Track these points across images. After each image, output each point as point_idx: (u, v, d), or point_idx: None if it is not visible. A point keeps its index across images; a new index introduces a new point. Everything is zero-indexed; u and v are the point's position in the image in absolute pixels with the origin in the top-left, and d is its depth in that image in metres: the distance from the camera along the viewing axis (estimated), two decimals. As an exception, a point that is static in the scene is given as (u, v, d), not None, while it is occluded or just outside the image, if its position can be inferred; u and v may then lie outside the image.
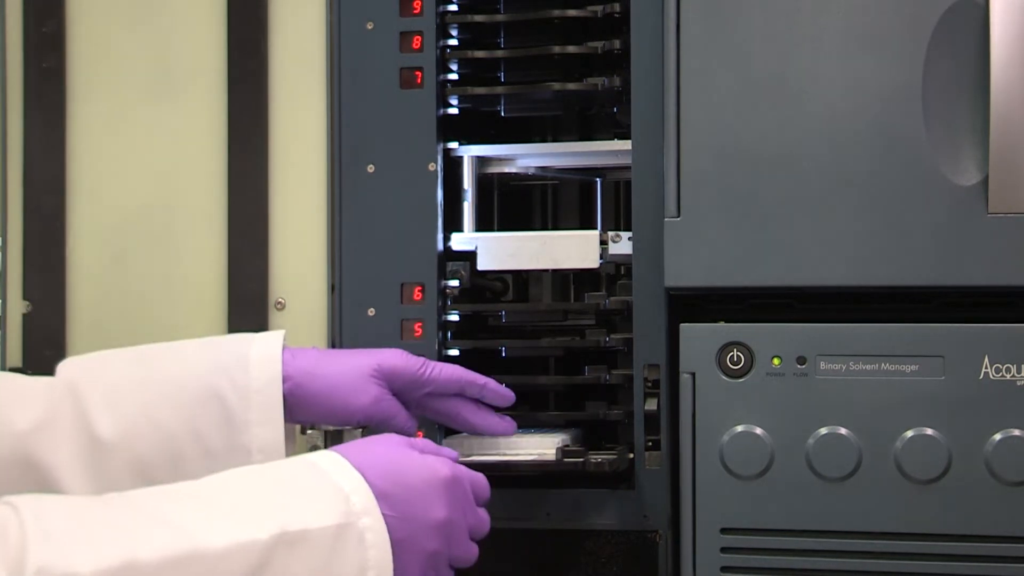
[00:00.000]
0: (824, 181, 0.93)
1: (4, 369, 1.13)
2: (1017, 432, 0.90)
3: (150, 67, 1.12)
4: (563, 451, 1.00)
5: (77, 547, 0.65)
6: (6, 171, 1.14)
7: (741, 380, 0.94)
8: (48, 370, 1.02)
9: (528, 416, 1.07)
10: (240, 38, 1.11)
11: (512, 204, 1.18)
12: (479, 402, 1.02)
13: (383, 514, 0.79)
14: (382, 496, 0.79)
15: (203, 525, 0.70)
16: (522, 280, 1.16)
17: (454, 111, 1.10)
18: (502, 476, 1.05)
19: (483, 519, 0.89)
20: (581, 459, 1.00)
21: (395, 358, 0.98)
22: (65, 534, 0.65)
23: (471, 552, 0.88)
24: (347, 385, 0.96)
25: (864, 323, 0.93)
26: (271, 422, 0.93)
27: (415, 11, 1.07)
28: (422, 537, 0.82)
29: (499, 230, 1.14)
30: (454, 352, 1.08)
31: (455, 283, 1.08)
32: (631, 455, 1.02)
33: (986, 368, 0.90)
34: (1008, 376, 0.90)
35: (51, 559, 0.63)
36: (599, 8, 1.06)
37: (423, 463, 0.85)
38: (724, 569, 0.94)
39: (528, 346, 1.09)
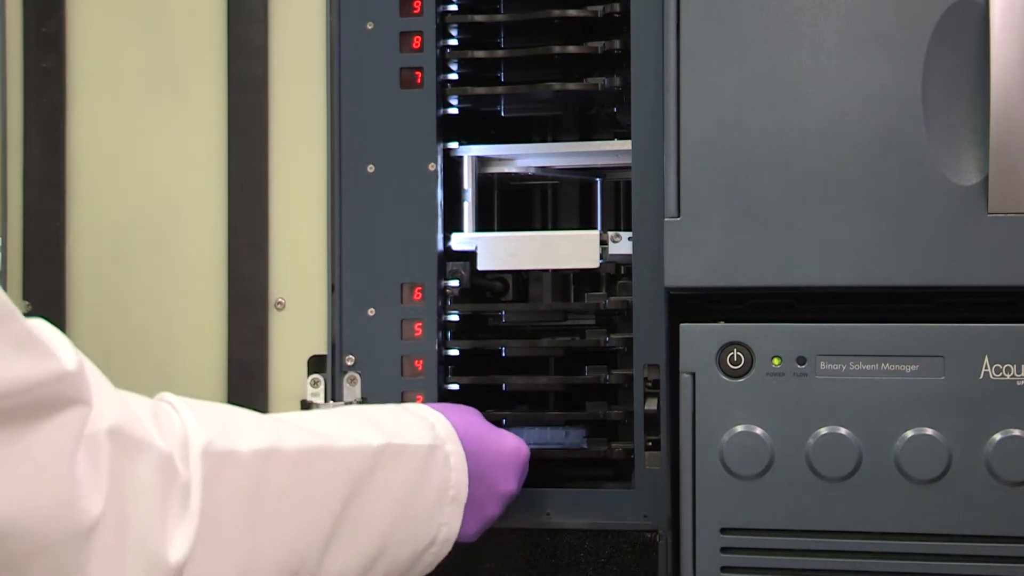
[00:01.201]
0: (824, 181, 0.93)
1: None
2: (1017, 432, 0.90)
3: (150, 67, 1.12)
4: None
5: (231, 434, 0.75)
6: (6, 171, 1.14)
7: (741, 380, 0.94)
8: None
9: (528, 416, 1.07)
10: (240, 38, 1.10)
11: (512, 204, 1.18)
12: None
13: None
14: (463, 437, 0.92)
15: (330, 431, 0.83)
16: (522, 280, 1.16)
17: (454, 111, 1.10)
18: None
19: None
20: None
21: None
22: (219, 423, 0.75)
23: None
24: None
25: (864, 323, 0.93)
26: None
27: (415, 11, 1.07)
28: (491, 501, 0.94)
29: (499, 230, 1.14)
30: (454, 352, 1.08)
31: (455, 283, 1.08)
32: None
33: (986, 368, 0.90)
34: (1008, 376, 0.90)
35: (212, 439, 0.73)
36: (599, 8, 1.06)
37: (502, 435, 0.97)
38: (724, 569, 0.94)
39: (528, 346, 1.09)
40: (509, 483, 0.96)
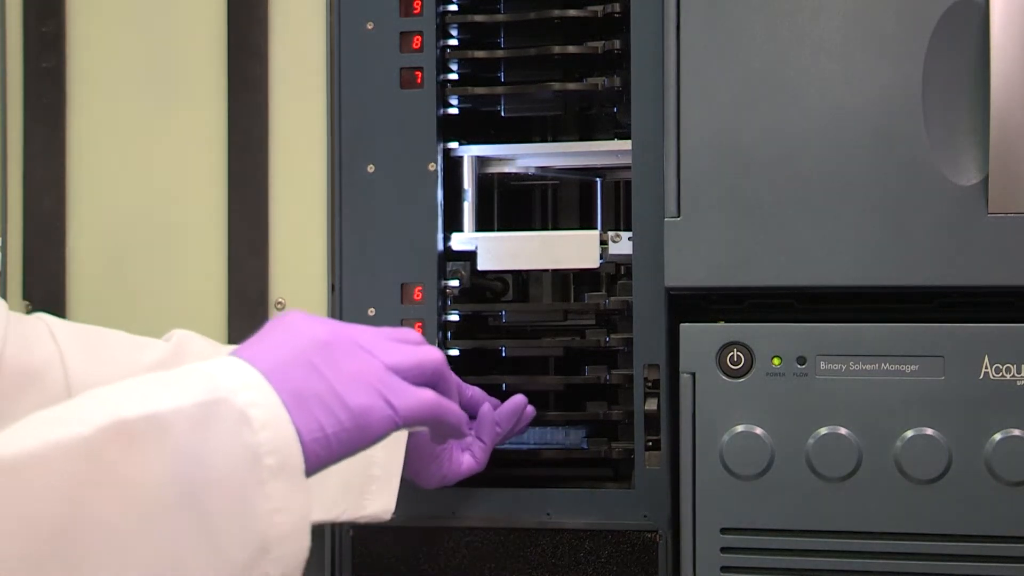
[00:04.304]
0: (824, 181, 0.93)
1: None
2: (1017, 432, 0.90)
3: (150, 67, 1.12)
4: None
5: None
6: (6, 171, 1.14)
7: (741, 380, 0.94)
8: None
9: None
10: (240, 38, 1.10)
11: (512, 204, 1.18)
12: None
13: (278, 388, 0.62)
14: (275, 371, 0.63)
15: (26, 433, 0.56)
16: (522, 280, 1.16)
17: (454, 111, 1.10)
18: (502, 476, 1.05)
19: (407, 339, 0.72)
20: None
21: None
22: None
23: (417, 355, 0.71)
24: None
25: (864, 323, 0.93)
26: None
27: (415, 11, 1.07)
28: (302, 367, 0.64)
29: (499, 230, 1.14)
30: (454, 352, 1.08)
31: (455, 283, 1.08)
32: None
33: (986, 368, 0.90)
34: (1008, 376, 0.90)
35: None
36: (599, 8, 1.06)
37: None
38: (724, 569, 0.94)
39: (528, 346, 1.09)
40: (314, 329, 0.67)
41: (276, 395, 0.62)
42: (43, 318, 0.92)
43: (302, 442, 0.62)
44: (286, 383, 0.63)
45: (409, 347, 0.71)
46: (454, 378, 0.75)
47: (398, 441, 0.91)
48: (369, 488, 0.91)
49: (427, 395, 0.69)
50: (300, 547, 0.61)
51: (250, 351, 0.65)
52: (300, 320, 0.68)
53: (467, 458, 0.94)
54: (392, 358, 0.68)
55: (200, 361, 0.64)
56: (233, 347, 0.69)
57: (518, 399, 0.99)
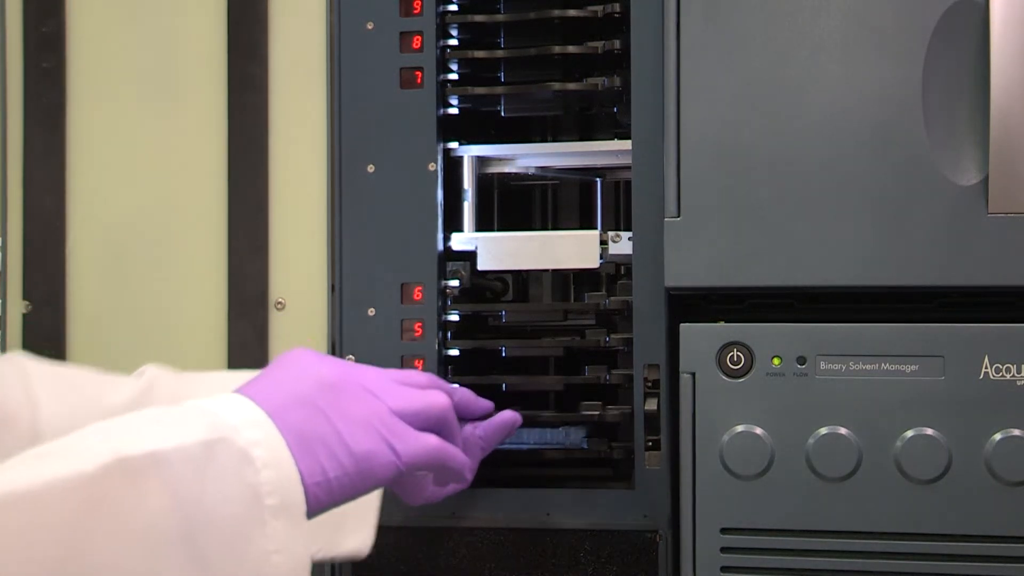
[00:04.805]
0: (824, 181, 0.93)
1: (4, 369, 1.13)
2: (1017, 432, 0.90)
3: (150, 68, 1.12)
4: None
5: None
6: (6, 171, 1.14)
7: (741, 380, 0.94)
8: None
9: (528, 416, 1.07)
10: (240, 39, 1.10)
11: (512, 204, 1.18)
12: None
13: (282, 426, 0.62)
14: (279, 410, 0.63)
15: (20, 469, 0.55)
16: (522, 280, 1.16)
17: (454, 111, 1.10)
18: (502, 476, 1.05)
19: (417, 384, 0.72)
20: (597, 412, 1.02)
21: None
22: None
23: (421, 401, 0.71)
24: None
25: (864, 323, 0.93)
26: None
27: (415, 11, 1.07)
28: (316, 416, 0.64)
29: (499, 230, 1.14)
30: (454, 352, 1.08)
31: (455, 283, 1.08)
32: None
33: (986, 368, 0.90)
34: (1008, 376, 0.90)
35: None
36: (599, 8, 1.06)
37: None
38: (724, 569, 0.93)
39: (528, 346, 1.09)
40: (319, 368, 0.67)
41: (280, 435, 0.61)
42: (13, 360, 0.87)
43: (304, 485, 0.61)
44: (290, 424, 0.62)
45: (415, 391, 0.71)
46: (457, 424, 0.75)
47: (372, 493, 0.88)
48: (344, 525, 0.86)
49: (431, 441, 0.69)
50: None
51: (255, 388, 0.65)
52: (307, 359, 0.68)
53: None
54: (398, 403, 0.69)
55: (169, 399, 0.63)
56: (204, 373, 0.68)
57: (507, 418, 0.90)
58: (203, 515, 0.57)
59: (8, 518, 0.53)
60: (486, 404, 0.90)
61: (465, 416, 0.88)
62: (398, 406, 0.68)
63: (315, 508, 0.63)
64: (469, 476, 0.77)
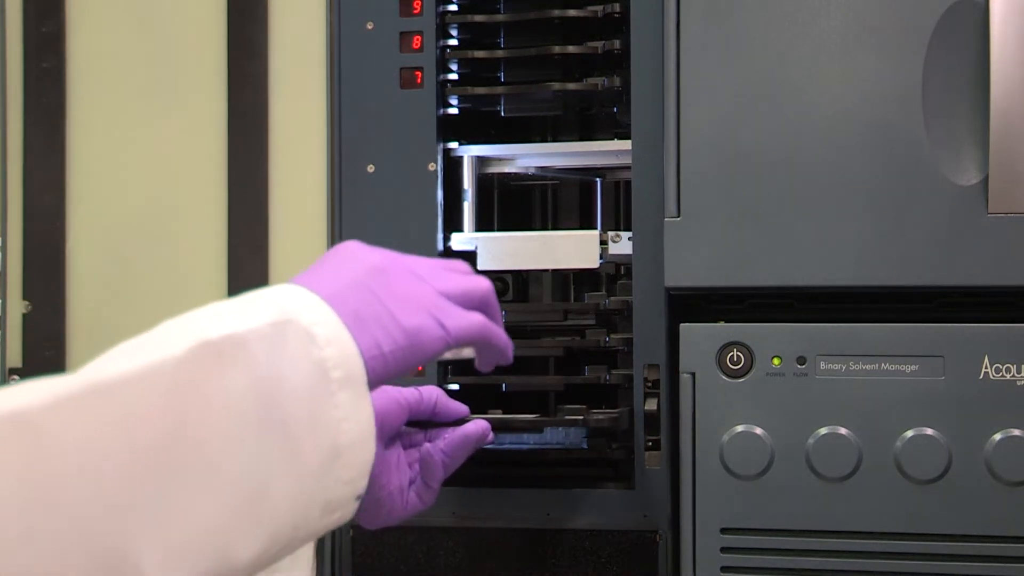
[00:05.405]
0: (824, 181, 0.93)
1: (4, 369, 1.13)
2: (1017, 432, 0.90)
3: (150, 67, 1.12)
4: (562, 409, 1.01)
5: None
6: (6, 171, 1.14)
7: (741, 380, 0.94)
8: (48, 370, 1.02)
9: (505, 421, 1.06)
10: (240, 38, 1.11)
11: (512, 204, 1.18)
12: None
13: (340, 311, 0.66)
14: (334, 295, 0.67)
15: (111, 362, 0.59)
16: (522, 280, 1.16)
17: (454, 111, 1.10)
18: (502, 476, 1.05)
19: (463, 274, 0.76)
20: (581, 416, 1.01)
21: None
22: None
23: (466, 283, 0.75)
24: None
25: (864, 323, 0.93)
26: None
27: (415, 11, 1.07)
28: (361, 292, 0.68)
29: (499, 230, 1.14)
30: (454, 352, 1.08)
31: (455, 283, 1.08)
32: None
33: (986, 368, 0.90)
34: (1008, 376, 0.90)
35: None
36: (599, 8, 1.06)
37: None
38: (724, 569, 0.94)
39: (528, 346, 1.09)
40: (368, 257, 0.71)
41: (337, 316, 0.65)
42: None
43: (362, 359, 0.66)
44: (346, 306, 0.67)
45: (459, 275, 0.75)
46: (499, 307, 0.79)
47: None
48: (278, 567, 0.88)
49: (477, 317, 0.73)
50: (367, 453, 0.65)
51: (309, 278, 0.69)
52: (357, 249, 0.72)
53: (412, 498, 0.87)
54: (443, 285, 0.73)
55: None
56: None
57: (472, 431, 0.88)
58: (280, 389, 0.61)
59: (109, 405, 0.57)
60: (461, 407, 0.89)
61: (438, 419, 0.88)
62: (444, 288, 0.72)
63: (374, 380, 0.67)
64: (511, 356, 0.79)
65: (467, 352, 0.78)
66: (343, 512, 0.66)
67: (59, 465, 0.54)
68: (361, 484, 0.66)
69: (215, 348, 0.61)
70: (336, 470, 0.64)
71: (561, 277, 1.15)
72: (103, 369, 0.58)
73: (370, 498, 0.84)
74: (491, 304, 0.76)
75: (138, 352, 0.60)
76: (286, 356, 0.62)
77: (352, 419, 0.64)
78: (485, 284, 0.75)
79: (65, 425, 0.55)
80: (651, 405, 1.01)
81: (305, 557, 0.90)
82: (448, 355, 0.75)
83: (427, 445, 0.86)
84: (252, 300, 0.66)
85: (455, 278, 0.74)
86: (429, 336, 0.70)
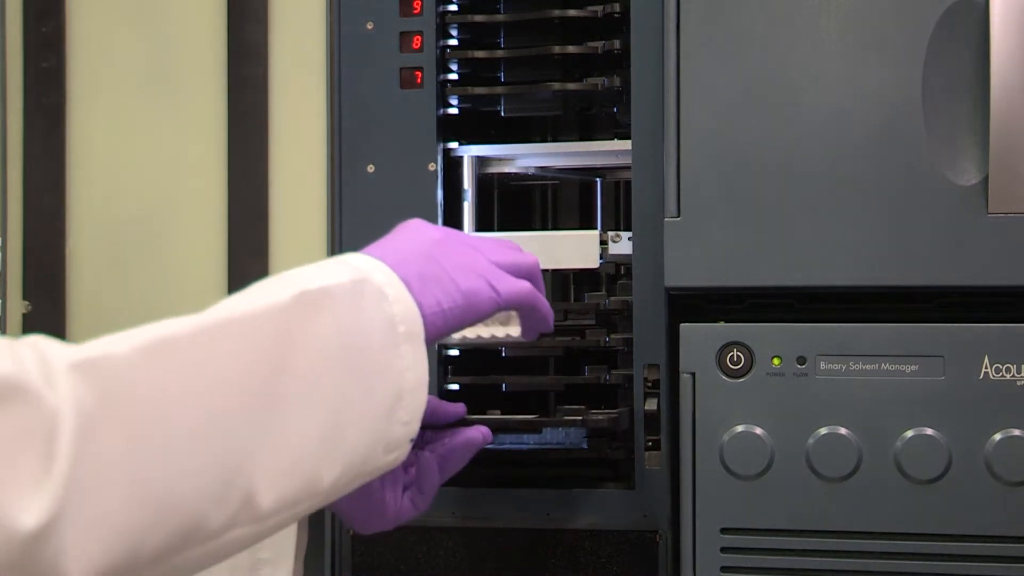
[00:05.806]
0: (824, 181, 0.93)
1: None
2: (1017, 432, 0.90)
3: (150, 67, 1.12)
4: (562, 410, 1.03)
5: (102, 342, 0.65)
6: (6, 171, 1.14)
7: (741, 380, 0.94)
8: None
9: (504, 422, 1.06)
10: (240, 38, 1.11)
11: (512, 204, 1.18)
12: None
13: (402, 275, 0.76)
14: (399, 263, 0.78)
15: (232, 303, 0.71)
16: (522, 280, 1.16)
17: (454, 111, 1.10)
18: (502, 476, 1.05)
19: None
20: (580, 416, 1.01)
21: None
22: (87, 344, 0.66)
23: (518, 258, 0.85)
24: None
25: (864, 323, 0.93)
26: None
27: (415, 11, 1.07)
28: (421, 258, 0.78)
29: (499, 230, 1.14)
30: (453, 352, 1.08)
31: (455, 283, 1.07)
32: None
33: (986, 368, 0.90)
34: (1008, 376, 0.90)
35: (78, 351, 0.64)
36: (599, 8, 1.06)
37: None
38: (724, 569, 0.94)
39: (528, 346, 1.09)
40: (429, 232, 0.81)
41: (400, 280, 0.75)
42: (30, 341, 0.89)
43: (423, 315, 0.76)
44: (409, 270, 0.77)
45: (508, 249, 0.85)
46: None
47: (289, 527, 0.86)
48: (259, 572, 0.89)
49: (525, 284, 0.83)
50: (422, 398, 0.75)
51: (376, 249, 0.79)
52: (420, 224, 0.82)
53: (407, 504, 0.88)
54: (496, 256, 0.83)
55: None
56: None
57: (468, 438, 0.89)
58: (360, 337, 0.72)
59: (225, 337, 0.67)
60: (457, 408, 0.90)
61: (434, 421, 0.88)
62: (496, 258, 0.82)
63: (432, 335, 0.77)
64: (551, 324, 0.88)
65: (513, 332, 0.89)
66: (399, 452, 0.74)
67: (197, 383, 0.64)
68: (415, 427, 0.74)
69: (312, 297, 0.71)
70: (398, 411, 0.73)
71: (561, 277, 1.15)
72: (219, 309, 0.69)
73: (364, 503, 0.85)
74: (536, 276, 0.85)
75: (249, 299, 0.70)
76: (364, 309, 0.72)
77: (413, 369, 0.74)
78: (532, 258, 0.85)
79: (202, 349, 0.66)
80: (651, 405, 1.01)
81: (288, 548, 0.90)
82: (497, 332, 0.90)
83: (424, 451, 0.87)
84: (332, 263, 0.76)
85: (506, 251, 0.84)
86: (483, 297, 0.80)
